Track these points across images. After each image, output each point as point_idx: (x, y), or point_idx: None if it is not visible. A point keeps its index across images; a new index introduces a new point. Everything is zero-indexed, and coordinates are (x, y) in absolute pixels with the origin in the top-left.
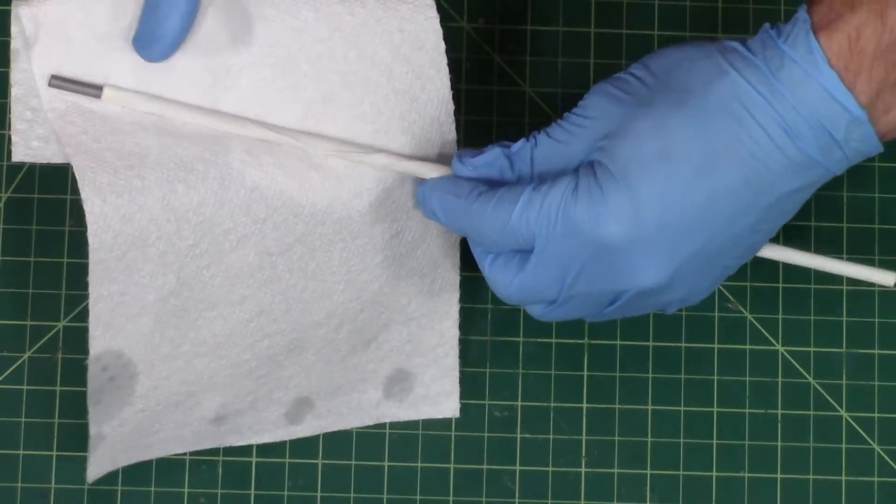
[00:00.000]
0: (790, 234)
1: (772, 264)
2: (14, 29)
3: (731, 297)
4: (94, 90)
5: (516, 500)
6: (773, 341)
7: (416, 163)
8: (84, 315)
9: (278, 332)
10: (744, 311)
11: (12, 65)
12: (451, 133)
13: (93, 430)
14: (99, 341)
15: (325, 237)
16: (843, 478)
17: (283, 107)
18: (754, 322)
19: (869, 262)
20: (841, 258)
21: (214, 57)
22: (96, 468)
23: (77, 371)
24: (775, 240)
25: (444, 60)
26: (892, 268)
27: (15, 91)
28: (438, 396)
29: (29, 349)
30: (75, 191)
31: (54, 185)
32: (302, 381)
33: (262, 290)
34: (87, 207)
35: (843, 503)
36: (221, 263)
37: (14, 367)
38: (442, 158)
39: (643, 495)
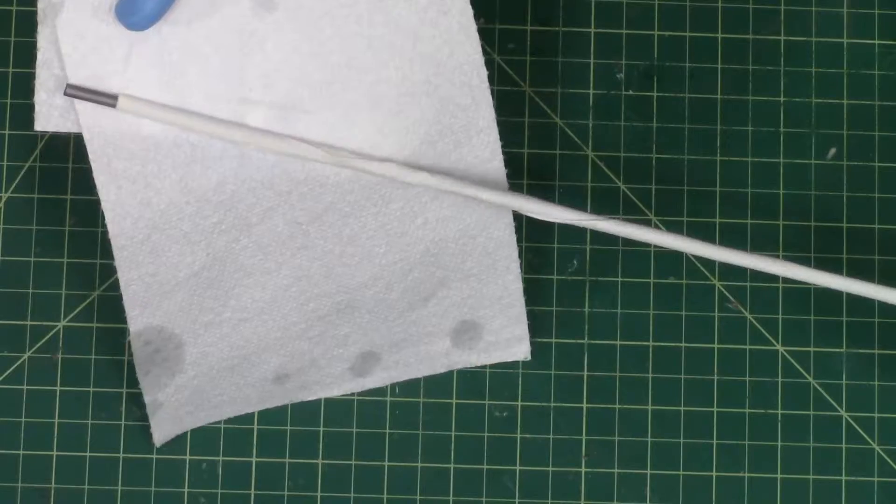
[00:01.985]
0: (790, 234)
1: None
2: None
3: (731, 297)
4: (109, 99)
5: (516, 500)
6: (773, 341)
7: (461, 184)
8: (84, 315)
9: (323, 295)
10: (744, 311)
11: (39, 27)
12: (485, 97)
13: (147, 398)
14: (137, 320)
15: (357, 203)
16: (843, 478)
17: (308, 72)
18: (754, 322)
19: (869, 263)
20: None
21: (238, 20)
22: (160, 432)
23: (77, 371)
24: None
25: (473, 25)
26: (892, 268)
27: (40, 56)
28: (509, 342)
29: (29, 349)
30: (75, 191)
31: (54, 185)
32: (360, 338)
33: (298, 257)
34: (102, 195)
35: (843, 503)
36: (251, 235)
37: (14, 367)
38: (476, 124)
39: (643, 495)
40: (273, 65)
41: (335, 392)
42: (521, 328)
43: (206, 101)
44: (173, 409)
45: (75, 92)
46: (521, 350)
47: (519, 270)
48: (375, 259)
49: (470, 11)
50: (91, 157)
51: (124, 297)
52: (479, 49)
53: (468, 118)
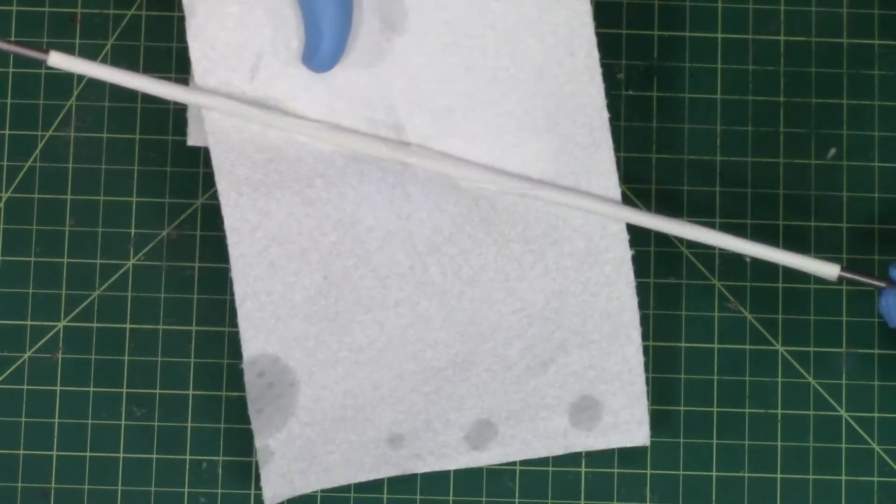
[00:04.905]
0: (790, 233)
1: (771, 264)
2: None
3: (731, 297)
4: (40, 54)
5: (516, 500)
6: (773, 341)
7: (578, 196)
8: (84, 315)
9: (441, 343)
10: (744, 311)
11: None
12: (606, 140)
13: (258, 443)
14: (252, 344)
15: (475, 238)
16: (843, 478)
17: (431, 97)
18: (754, 322)
19: (869, 263)
20: (786, 250)
21: (367, 40)
22: (271, 489)
23: (77, 371)
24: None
25: (598, 68)
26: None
27: (193, 75)
28: (628, 424)
29: (29, 349)
30: (75, 191)
31: (54, 185)
32: (477, 402)
33: (417, 294)
34: (222, 200)
35: (843, 503)
36: (369, 263)
37: (14, 367)
38: (596, 167)
39: (643, 495)
40: (397, 88)
41: (449, 466)
42: (641, 410)
43: (328, 116)
44: (285, 463)
45: (5, 45)
46: (639, 435)
47: (640, 341)
48: (495, 305)
49: (596, 54)
50: (214, 161)
51: (239, 316)
52: (602, 91)
53: (588, 159)
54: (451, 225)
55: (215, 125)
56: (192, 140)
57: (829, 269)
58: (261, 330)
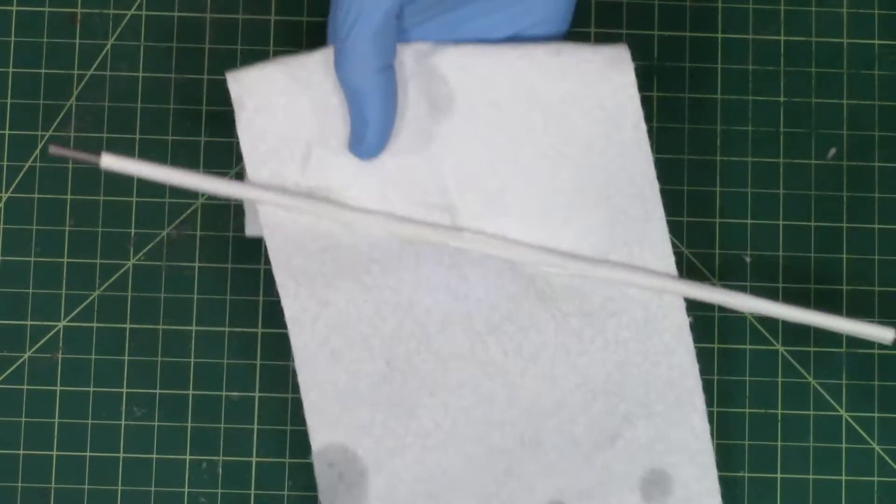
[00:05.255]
0: (790, 232)
1: (771, 264)
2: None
3: None
4: (92, 157)
5: None
6: (773, 341)
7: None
8: (84, 315)
9: (507, 423)
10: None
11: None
12: (658, 211)
13: None
14: (319, 434)
15: (533, 315)
16: (843, 478)
17: (482, 178)
18: (754, 322)
19: (869, 263)
20: (840, 315)
21: (416, 124)
22: None
23: (77, 371)
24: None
25: (646, 139)
26: (892, 268)
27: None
28: (699, 496)
29: (29, 349)
30: (75, 191)
31: (54, 185)
32: (548, 483)
33: (479, 374)
34: (281, 291)
35: (843, 503)
36: (430, 346)
37: (14, 367)
38: (649, 237)
39: None
40: (448, 169)
41: None
42: (712, 479)
43: (382, 202)
44: None
45: (59, 150)
46: None
47: (705, 408)
48: (558, 381)
49: (643, 125)
50: (270, 253)
51: (305, 406)
52: (652, 162)
53: (640, 230)
54: (508, 303)
55: (269, 217)
56: (251, 231)
57: (884, 334)
58: (327, 419)
